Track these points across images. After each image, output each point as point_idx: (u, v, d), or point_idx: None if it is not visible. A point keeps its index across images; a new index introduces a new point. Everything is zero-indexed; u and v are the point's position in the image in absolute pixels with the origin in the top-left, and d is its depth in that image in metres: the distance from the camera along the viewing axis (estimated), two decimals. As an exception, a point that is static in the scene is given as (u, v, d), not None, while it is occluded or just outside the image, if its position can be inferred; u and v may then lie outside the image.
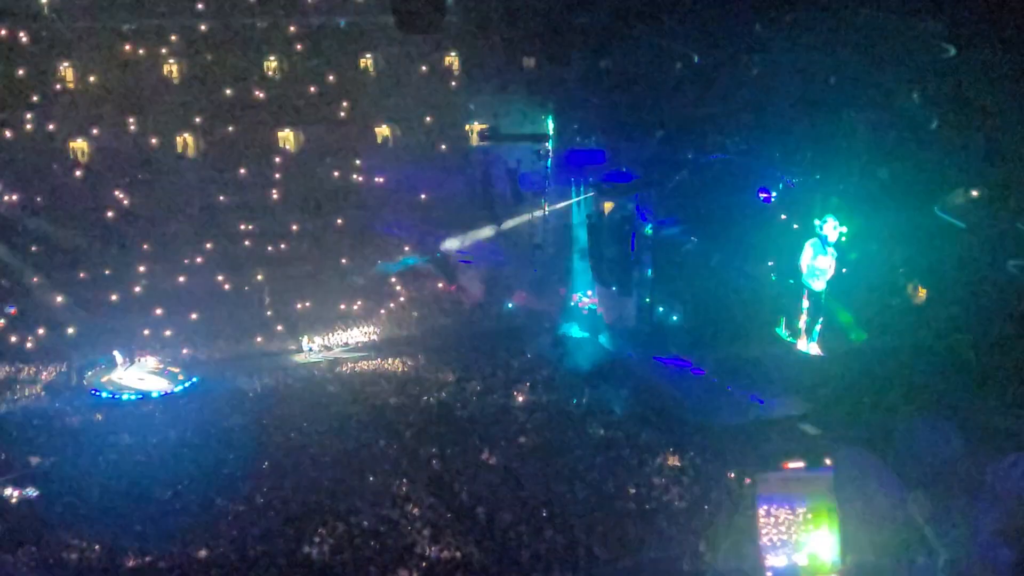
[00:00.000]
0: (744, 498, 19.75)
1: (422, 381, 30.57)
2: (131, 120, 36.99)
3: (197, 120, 37.94)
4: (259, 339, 35.23)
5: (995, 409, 23.32)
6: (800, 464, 13.48)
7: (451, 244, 40.14)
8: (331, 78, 39.45)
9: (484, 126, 38.67)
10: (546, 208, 37.78)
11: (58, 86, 36.81)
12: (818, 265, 28.69)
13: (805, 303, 29.42)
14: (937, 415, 20.71)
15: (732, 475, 21.34)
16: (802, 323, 29.84)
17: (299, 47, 39.17)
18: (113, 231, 36.44)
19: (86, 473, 23.48)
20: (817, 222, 28.34)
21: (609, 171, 33.65)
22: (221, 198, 37.95)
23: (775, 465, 14.54)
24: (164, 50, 37.56)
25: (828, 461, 12.94)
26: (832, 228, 27.72)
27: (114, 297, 35.29)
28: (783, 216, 30.07)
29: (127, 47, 36.98)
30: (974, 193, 24.83)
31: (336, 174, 39.72)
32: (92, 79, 36.81)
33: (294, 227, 38.89)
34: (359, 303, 37.73)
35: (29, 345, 33.57)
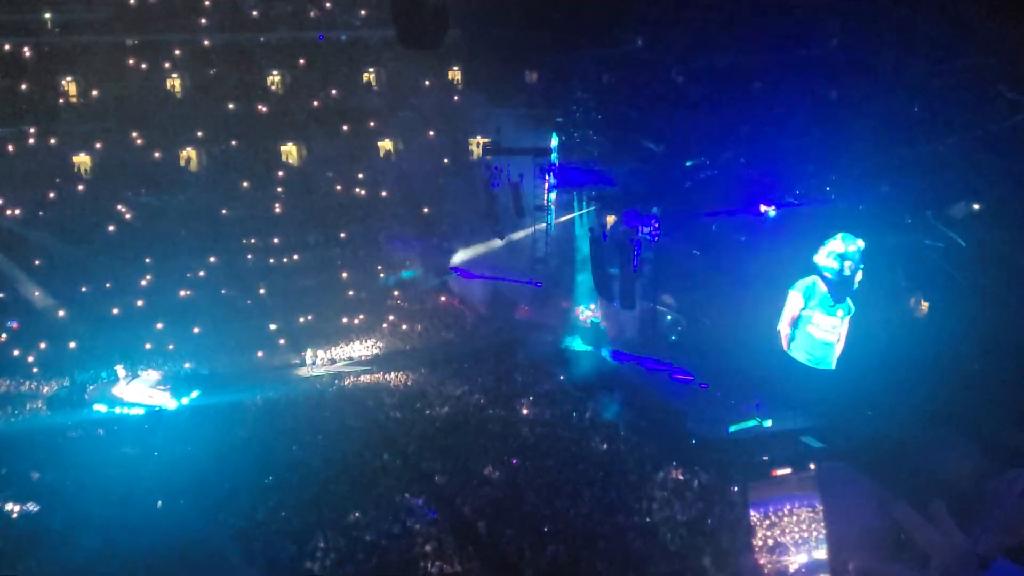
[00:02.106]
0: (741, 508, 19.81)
1: (425, 395, 30.49)
2: (134, 134, 37.09)
3: (200, 134, 38.04)
4: (262, 353, 35.17)
5: (1001, 422, 23.23)
6: (788, 470, 13.70)
7: (454, 258, 40.16)
8: (334, 92, 39.58)
9: (487, 140, 38.75)
10: (549, 222, 37.80)
11: (61, 100, 36.95)
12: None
13: (809, 316, 29.40)
14: (943, 428, 20.62)
15: (735, 489, 21.26)
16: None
17: (302, 61, 39.33)
18: (116, 245, 36.46)
19: (87, 488, 23.39)
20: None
21: (611, 184, 33.67)
22: (224, 212, 38.00)
23: (765, 473, 14.70)
24: (167, 64, 37.71)
25: (813, 466, 13.23)
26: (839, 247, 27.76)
27: (116, 311, 35.26)
28: (787, 230, 30.13)
29: (131, 61, 37.13)
30: (975, 207, 24.84)
31: (339, 188, 39.79)
32: (95, 93, 36.95)
33: (297, 241, 38.93)
34: (362, 316, 37.69)
35: (31, 359, 33.52)
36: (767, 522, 3.12)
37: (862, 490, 3.65)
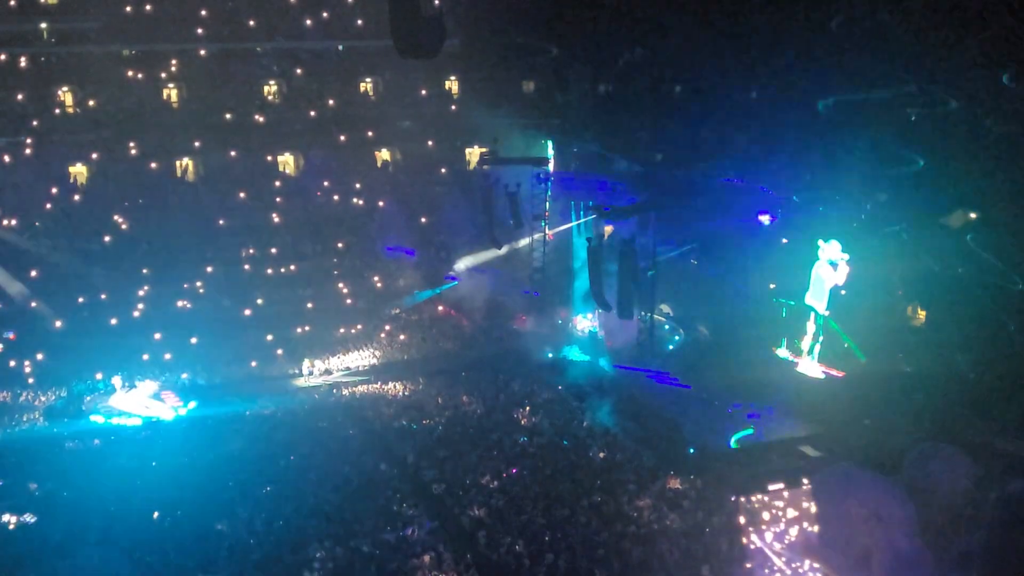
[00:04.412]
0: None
1: (422, 405, 30.46)
2: (131, 144, 37.09)
3: (197, 144, 38.05)
4: (259, 363, 35.08)
5: (996, 430, 23.32)
6: (780, 485, 13.79)
7: (452, 268, 40.17)
8: (331, 102, 39.65)
9: (484, 149, 38.84)
10: (546, 231, 37.88)
11: (58, 110, 36.95)
12: (822, 287, 28.89)
13: (810, 325, 29.59)
14: (939, 437, 20.66)
15: (733, 498, 21.20)
16: (804, 344, 29.97)
17: (299, 71, 39.40)
18: (112, 255, 36.42)
19: (85, 499, 23.33)
20: (821, 243, 28.52)
21: (609, 194, 33.71)
22: (221, 222, 37.99)
23: (761, 487, 14.78)
24: (164, 74, 37.76)
25: (806, 480, 13.49)
26: (836, 251, 27.95)
27: (113, 321, 35.19)
28: (784, 239, 30.27)
29: (127, 71, 37.16)
30: (972, 215, 24.91)
31: (336, 198, 39.82)
32: (92, 103, 36.97)
33: (294, 251, 38.93)
34: (359, 327, 37.63)
35: (28, 370, 33.43)
36: (757, 533, 3.12)
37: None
